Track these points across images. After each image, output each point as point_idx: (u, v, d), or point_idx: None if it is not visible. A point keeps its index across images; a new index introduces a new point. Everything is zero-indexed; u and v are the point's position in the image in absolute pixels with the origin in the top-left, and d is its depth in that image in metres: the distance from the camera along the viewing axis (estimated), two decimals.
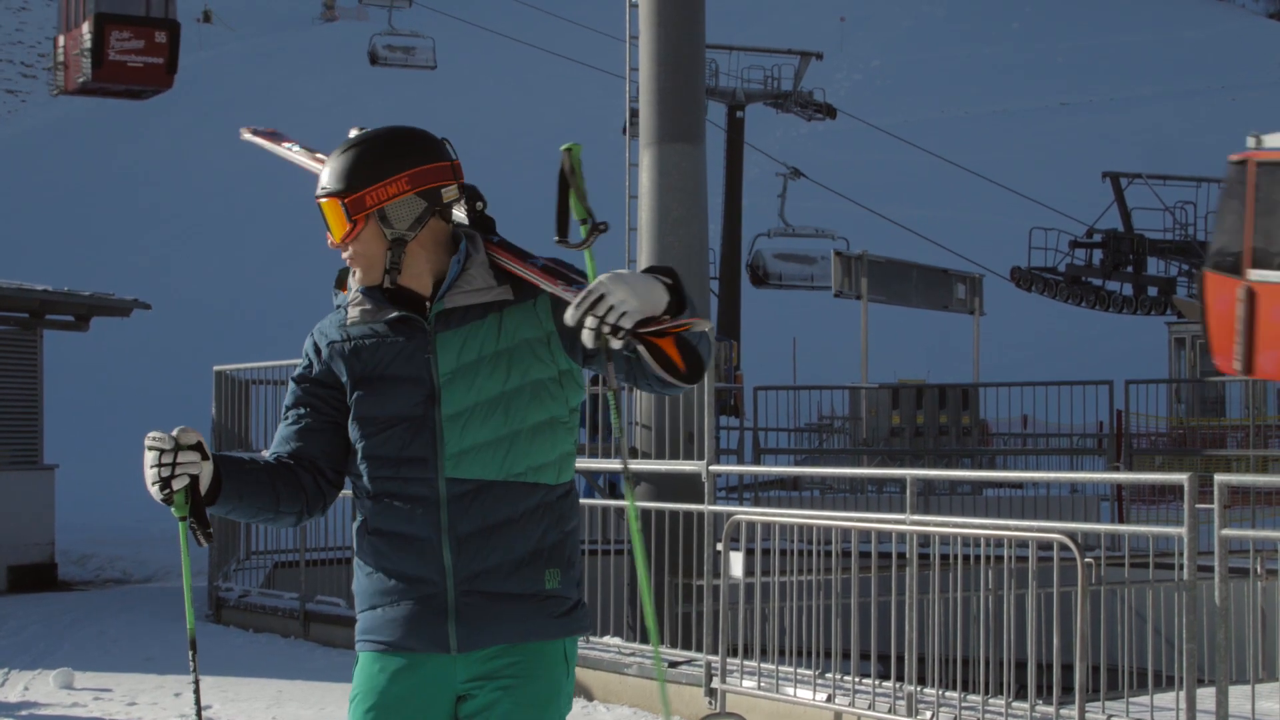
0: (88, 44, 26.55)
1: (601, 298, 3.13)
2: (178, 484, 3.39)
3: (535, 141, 63.46)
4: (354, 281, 3.67)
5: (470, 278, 3.56)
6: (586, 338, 3.16)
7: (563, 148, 3.35)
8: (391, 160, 3.53)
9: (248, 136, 4.35)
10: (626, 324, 3.13)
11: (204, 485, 3.46)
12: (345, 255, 3.58)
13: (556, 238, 3.42)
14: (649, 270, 3.28)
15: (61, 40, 28.46)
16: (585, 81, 41.39)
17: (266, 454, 3.70)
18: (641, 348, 3.21)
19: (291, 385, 3.73)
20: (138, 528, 21.29)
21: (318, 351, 3.68)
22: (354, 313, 3.64)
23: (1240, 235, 15.27)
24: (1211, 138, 70.00)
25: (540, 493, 3.55)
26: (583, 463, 11.42)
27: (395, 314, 3.59)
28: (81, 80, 27.14)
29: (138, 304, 18.83)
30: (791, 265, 38.31)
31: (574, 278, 3.47)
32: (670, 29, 13.06)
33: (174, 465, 3.38)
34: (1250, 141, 15.41)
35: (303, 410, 3.67)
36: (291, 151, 4.08)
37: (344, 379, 3.62)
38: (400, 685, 3.56)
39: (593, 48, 42.02)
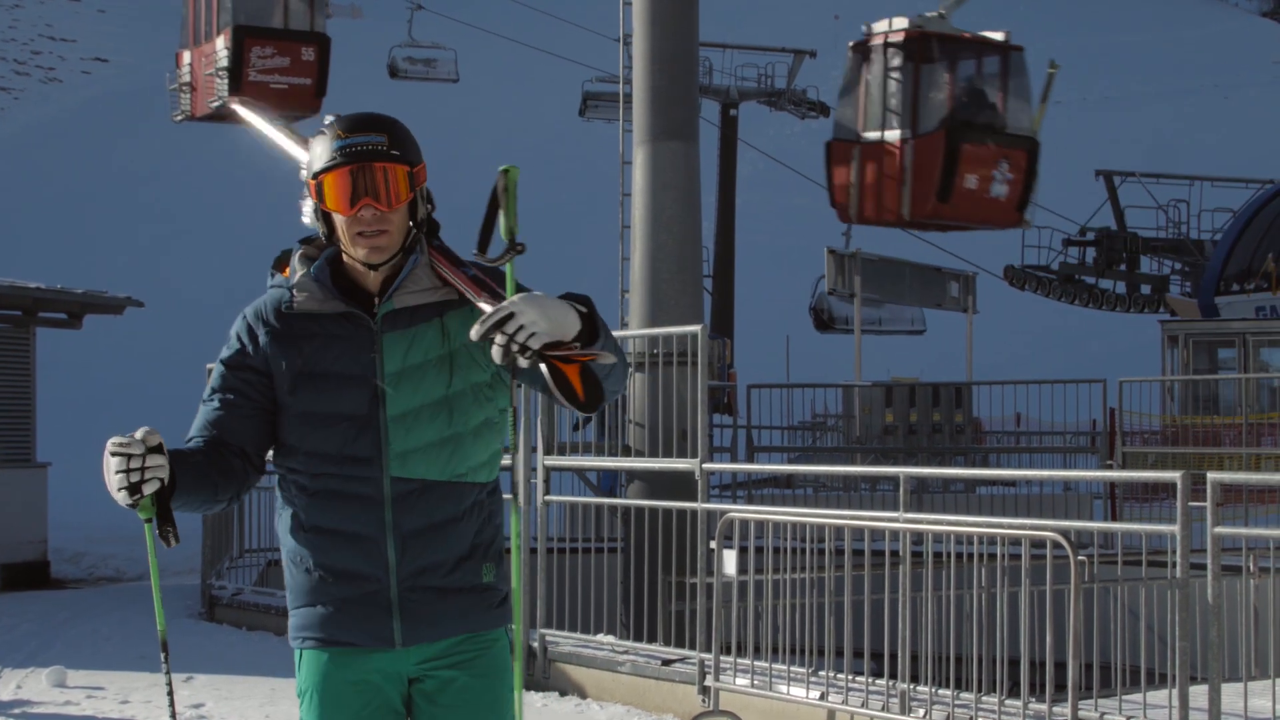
0: (224, 62, 22.22)
1: (511, 316, 3.19)
2: (149, 489, 3.34)
3: (531, 141, 63.48)
4: (314, 262, 3.62)
5: (417, 277, 3.59)
6: (495, 354, 3.23)
7: (500, 169, 3.40)
8: (418, 148, 3.58)
9: (235, 106, 4.38)
10: (535, 344, 3.20)
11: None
12: (371, 228, 3.50)
13: (475, 251, 3.47)
14: (567, 296, 3.35)
15: (188, 57, 24.09)
16: (580, 81, 41.36)
17: (191, 439, 3.61)
18: (545, 370, 3.28)
19: (220, 369, 3.65)
20: (130, 526, 21.19)
21: (253, 337, 3.62)
22: (299, 297, 3.60)
23: (856, 106, 18.99)
24: (1206, 136, 70.11)
25: (475, 491, 3.62)
26: (583, 460, 11.43)
27: (342, 309, 3.57)
28: (215, 104, 22.90)
29: (130, 302, 18.82)
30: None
31: (499, 291, 3.51)
32: (664, 28, 13.07)
33: (143, 470, 3.32)
34: (863, 29, 18.90)
35: (232, 396, 3.61)
36: (272, 129, 4.12)
37: (282, 369, 3.57)
38: (350, 673, 3.59)
39: (588, 47, 42.00)
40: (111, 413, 36.91)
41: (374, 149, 3.48)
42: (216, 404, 3.61)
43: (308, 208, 3.79)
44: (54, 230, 53.52)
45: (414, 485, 3.53)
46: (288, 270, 3.69)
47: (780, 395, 21.19)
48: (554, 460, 10.67)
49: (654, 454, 11.49)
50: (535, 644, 10.41)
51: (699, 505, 9.66)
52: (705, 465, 9.70)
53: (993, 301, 35.07)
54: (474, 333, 3.24)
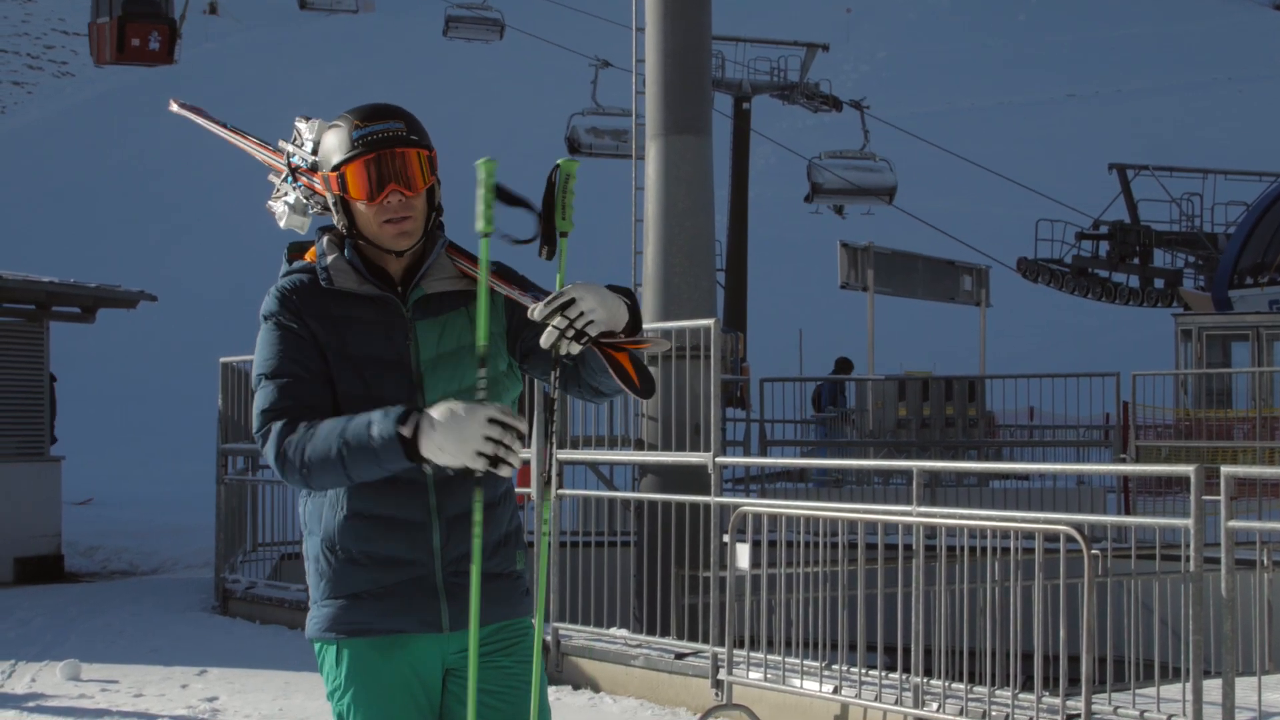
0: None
1: (572, 302, 3.24)
2: (504, 472, 3.30)
3: (541, 134, 63.46)
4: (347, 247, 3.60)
5: (441, 264, 3.61)
6: (546, 337, 3.26)
7: (558, 161, 3.45)
8: (429, 135, 3.61)
9: (175, 109, 4.41)
10: (592, 331, 3.26)
11: None
12: (398, 214, 3.49)
13: (543, 255, 3.50)
14: (610, 288, 3.38)
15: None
16: (589, 73, 41.34)
17: (289, 425, 3.45)
18: (600, 357, 3.34)
19: (276, 344, 3.52)
20: (144, 520, 21.31)
21: (298, 310, 3.54)
22: (336, 277, 3.57)
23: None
24: (1218, 129, 69.96)
25: (507, 480, 3.66)
26: (596, 454, 11.44)
27: (376, 292, 3.56)
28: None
29: (144, 295, 18.83)
30: None
31: (527, 282, 3.58)
32: (677, 20, 13.03)
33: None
34: None
35: (300, 369, 3.49)
36: (224, 129, 4.16)
37: (326, 347, 3.56)
38: (394, 663, 3.57)
39: (600, 39, 41.98)
40: (125, 407, 37.04)
41: (395, 135, 3.48)
42: (303, 381, 3.48)
43: (279, 208, 3.86)
44: (66, 224, 53.65)
45: (455, 469, 3.52)
46: (308, 256, 3.66)
47: (793, 389, 21.18)
48: (567, 454, 10.68)
49: (667, 448, 11.48)
50: (549, 637, 10.42)
51: (712, 499, 9.65)
52: (718, 459, 9.70)
53: (1006, 295, 35.02)
54: (535, 313, 3.25)
